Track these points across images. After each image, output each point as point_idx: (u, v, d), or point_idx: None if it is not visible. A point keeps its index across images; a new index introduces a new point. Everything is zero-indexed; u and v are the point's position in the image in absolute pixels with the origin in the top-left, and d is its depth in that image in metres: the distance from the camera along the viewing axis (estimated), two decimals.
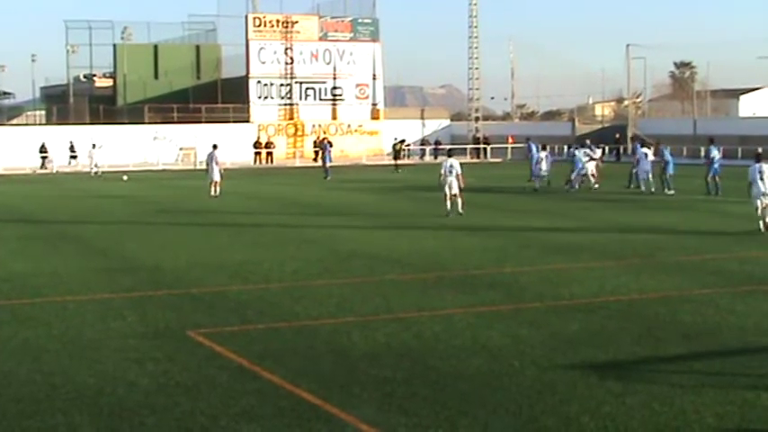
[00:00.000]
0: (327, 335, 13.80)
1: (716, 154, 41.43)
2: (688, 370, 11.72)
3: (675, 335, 13.55)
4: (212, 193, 41.22)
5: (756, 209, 26.78)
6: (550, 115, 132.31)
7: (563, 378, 11.24)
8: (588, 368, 11.69)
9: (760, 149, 31.16)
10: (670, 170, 42.72)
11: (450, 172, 31.23)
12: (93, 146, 65.99)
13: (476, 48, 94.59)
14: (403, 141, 73.90)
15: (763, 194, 26.53)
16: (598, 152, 48.09)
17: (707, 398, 10.37)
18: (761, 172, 26.71)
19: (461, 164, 32.92)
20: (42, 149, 73.56)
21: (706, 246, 23.67)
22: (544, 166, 45.63)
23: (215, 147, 43.44)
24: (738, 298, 16.38)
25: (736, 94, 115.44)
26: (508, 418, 9.90)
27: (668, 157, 43.23)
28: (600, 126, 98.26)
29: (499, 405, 10.27)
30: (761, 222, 26.43)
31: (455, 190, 31.12)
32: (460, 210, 30.89)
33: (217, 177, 41.89)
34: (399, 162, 68.65)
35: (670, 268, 20.07)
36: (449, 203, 31.17)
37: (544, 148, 46.60)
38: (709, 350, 12.77)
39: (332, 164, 60.19)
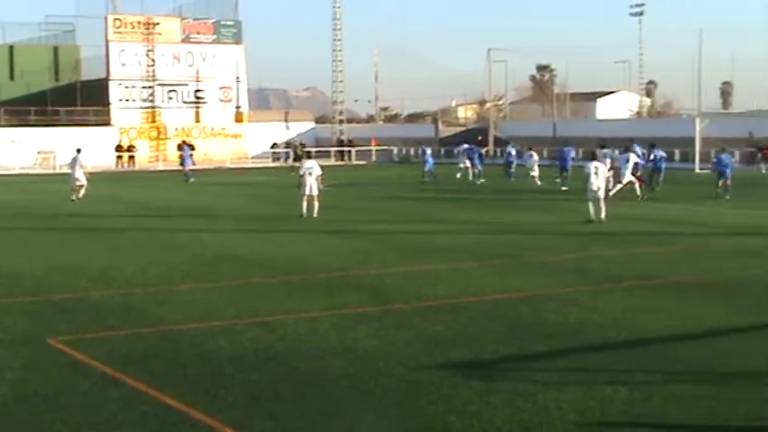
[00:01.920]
0: (192, 339, 13.64)
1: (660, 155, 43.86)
2: (550, 367, 11.92)
3: (538, 333, 13.78)
4: (73, 197, 40.36)
5: (589, 203, 29.03)
6: (414, 117, 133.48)
7: (429, 378, 11.32)
8: (453, 368, 11.79)
9: (597, 149, 34.01)
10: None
11: (310, 174, 31.33)
12: None
13: (339, 50, 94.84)
14: (303, 145, 73.84)
15: (598, 188, 29.07)
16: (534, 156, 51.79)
17: (568, 394, 10.56)
18: (596, 167, 29.20)
19: (324, 166, 32.95)
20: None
21: (568, 245, 24.14)
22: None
23: (78, 151, 42.62)
24: (599, 296, 16.74)
25: (593, 97, 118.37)
26: (375, 419, 9.91)
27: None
28: (463, 128, 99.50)
29: (365, 406, 10.28)
30: (593, 215, 28.73)
31: (314, 192, 31.22)
32: (315, 213, 30.95)
33: (82, 181, 41.03)
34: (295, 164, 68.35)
35: (533, 268, 20.41)
36: (305, 205, 31.25)
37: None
38: (571, 347, 13.00)
39: (194, 167, 59.62)
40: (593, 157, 31.15)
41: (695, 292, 17.11)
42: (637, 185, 38.75)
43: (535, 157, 51.56)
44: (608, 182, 33.13)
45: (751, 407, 10.08)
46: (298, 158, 70.10)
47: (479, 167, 52.39)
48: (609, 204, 29.63)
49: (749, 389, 10.74)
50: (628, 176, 38.51)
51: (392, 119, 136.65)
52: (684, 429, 9.50)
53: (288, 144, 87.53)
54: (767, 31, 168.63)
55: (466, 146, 54.76)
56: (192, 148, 79.33)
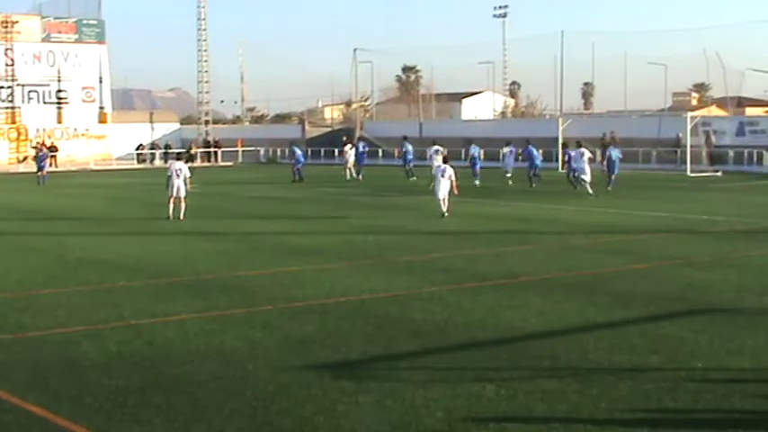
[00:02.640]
0: (56, 345, 13.36)
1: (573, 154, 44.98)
2: (418, 366, 12.02)
3: (406, 332, 13.88)
4: None
5: (438, 201, 31.15)
6: (281, 118, 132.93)
7: (297, 379, 11.31)
8: (322, 368, 11.80)
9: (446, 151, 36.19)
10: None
11: (178, 175, 31.04)
12: None
13: (205, 50, 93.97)
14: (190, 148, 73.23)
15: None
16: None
17: (436, 392, 10.67)
18: (443, 170, 31.76)
19: (190, 168, 32.68)
20: None
21: (435, 245, 24.36)
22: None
23: None
24: (465, 294, 16.94)
25: (458, 97, 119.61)
26: (243, 421, 9.87)
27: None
28: (329, 129, 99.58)
29: (234, 409, 10.22)
30: (444, 211, 30.88)
31: (181, 193, 30.95)
32: (182, 215, 30.69)
33: None
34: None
35: (399, 268, 20.55)
36: (172, 207, 31.06)
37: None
38: (438, 346, 13.13)
39: (53, 169, 58.43)
40: (445, 161, 33.74)
41: (559, 290, 17.45)
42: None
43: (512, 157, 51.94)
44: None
45: (613, 401, 10.33)
46: (191, 159, 69.37)
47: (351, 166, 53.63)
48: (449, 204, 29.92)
49: (611, 384, 11.00)
50: (588, 171, 41.10)
51: (259, 120, 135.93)
52: (549, 424, 9.68)
53: (153, 145, 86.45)
54: (625, 34, 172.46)
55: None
56: (54, 149, 77.92)
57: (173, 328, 14.33)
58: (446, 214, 30.66)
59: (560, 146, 56.86)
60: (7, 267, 20.95)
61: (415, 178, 51.63)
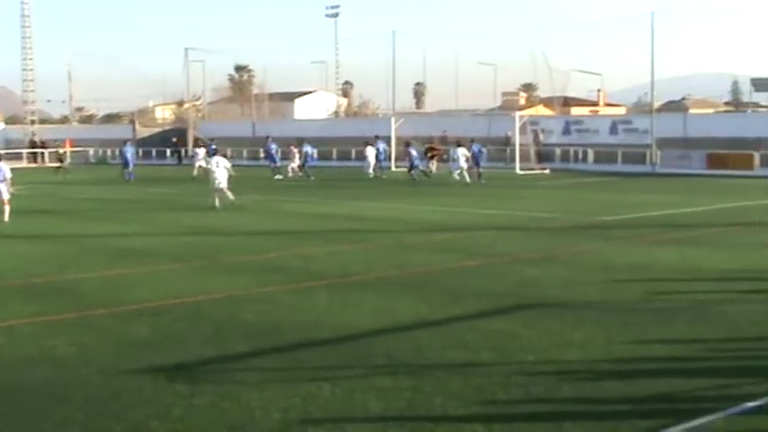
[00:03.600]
0: None
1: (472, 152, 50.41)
2: (253, 367, 12.00)
3: (240, 334, 13.83)
4: None
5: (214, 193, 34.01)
6: (111, 118, 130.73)
7: (131, 384, 11.16)
8: (156, 372, 11.67)
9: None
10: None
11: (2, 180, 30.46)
12: None
13: (30, 48, 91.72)
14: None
15: (218, 182, 34.13)
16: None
17: (272, 393, 10.67)
18: (217, 162, 34.45)
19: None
20: None
21: (269, 245, 24.31)
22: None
23: None
24: (299, 294, 16.98)
25: (291, 97, 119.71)
26: (75, 428, 9.69)
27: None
28: (161, 129, 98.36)
29: (66, 417, 10.02)
30: (216, 201, 33.96)
31: (3, 196, 30.28)
32: (6, 217, 30.02)
33: None
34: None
35: (233, 268, 20.46)
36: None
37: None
38: (273, 346, 13.13)
39: None
40: (215, 152, 38.72)
41: (392, 288, 17.64)
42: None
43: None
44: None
45: (447, 397, 10.50)
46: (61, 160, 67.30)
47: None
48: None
49: (445, 379, 11.19)
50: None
51: (88, 120, 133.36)
52: (386, 422, 9.79)
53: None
54: (456, 34, 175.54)
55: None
56: None
57: (2, 334, 13.96)
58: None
59: (393, 144, 58.29)
60: None
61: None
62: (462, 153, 49.07)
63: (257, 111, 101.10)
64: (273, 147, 57.77)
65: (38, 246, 24.85)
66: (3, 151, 74.65)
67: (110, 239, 26.21)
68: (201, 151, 58.48)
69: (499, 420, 9.87)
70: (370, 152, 56.44)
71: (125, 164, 56.54)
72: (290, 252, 22.85)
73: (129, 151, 57.11)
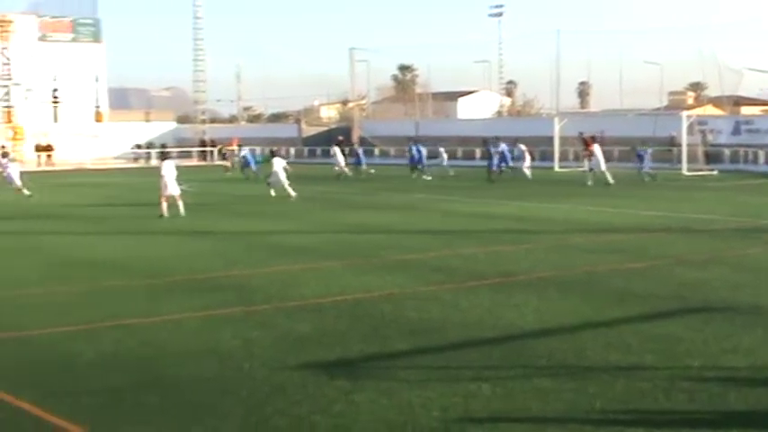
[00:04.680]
0: (51, 344, 13.35)
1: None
2: (414, 365, 12.01)
3: (401, 331, 13.87)
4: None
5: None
6: (277, 117, 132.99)
7: (294, 379, 11.29)
8: (318, 368, 11.79)
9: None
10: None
11: (170, 174, 31.47)
12: None
13: (201, 50, 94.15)
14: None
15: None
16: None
17: (432, 391, 10.66)
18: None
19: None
20: None
21: (429, 243, 24.34)
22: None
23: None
24: (461, 293, 16.92)
25: (455, 96, 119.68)
26: (238, 421, 9.85)
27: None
28: (326, 128, 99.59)
29: (230, 409, 10.21)
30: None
31: (175, 192, 31.26)
32: (182, 212, 30.91)
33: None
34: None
35: (394, 267, 20.53)
36: (165, 205, 31.23)
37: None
38: (434, 345, 13.12)
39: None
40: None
41: (555, 289, 17.43)
42: None
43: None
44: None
45: (609, 401, 10.32)
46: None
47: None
48: None
49: (607, 382, 11.00)
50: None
51: (255, 119, 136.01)
52: (545, 423, 9.68)
53: (149, 144, 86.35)
54: (621, 33, 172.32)
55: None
56: (49, 149, 77.96)
57: (168, 328, 14.32)
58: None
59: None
60: (3, 265, 20.93)
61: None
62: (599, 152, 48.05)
63: (420, 110, 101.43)
64: (416, 147, 58.04)
65: (205, 242, 25.44)
66: (175, 150, 76.75)
67: (273, 236, 26.64)
68: (338, 150, 59.40)
69: (661, 426, 9.64)
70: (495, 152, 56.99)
71: (246, 164, 57.78)
72: (450, 251, 22.83)
73: (247, 151, 58.91)
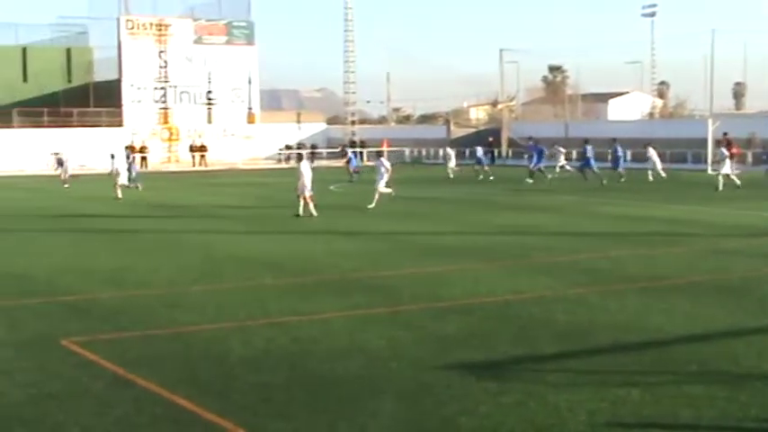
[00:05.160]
0: (204, 341, 13.66)
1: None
2: (562, 368, 11.91)
3: (549, 334, 13.76)
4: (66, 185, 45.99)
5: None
6: (426, 118, 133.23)
7: (440, 379, 11.31)
8: (464, 368, 11.78)
9: None
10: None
11: (305, 175, 32.11)
12: None
13: (351, 51, 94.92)
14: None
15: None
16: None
17: (580, 395, 10.55)
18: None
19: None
20: None
21: (577, 246, 24.10)
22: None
23: (113, 156, 48.23)
24: (610, 296, 16.71)
25: (605, 97, 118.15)
26: (386, 420, 9.92)
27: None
28: (475, 129, 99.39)
29: (377, 408, 10.28)
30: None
31: (307, 192, 31.84)
32: (313, 212, 31.43)
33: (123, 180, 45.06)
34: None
35: (543, 268, 20.38)
36: (302, 204, 32.09)
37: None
38: (582, 349, 12.99)
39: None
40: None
41: (707, 293, 17.07)
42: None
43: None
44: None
45: (763, 409, 10.06)
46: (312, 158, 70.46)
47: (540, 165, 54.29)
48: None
49: (762, 391, 10.72)
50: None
51: (404, 120, 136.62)
52: (695, 431, 9.49)
53: (299, 145, 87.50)
54: None
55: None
56: (203, 149, 79.79)
57: (317, 326, 14.50)
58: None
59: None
60: (157, 265, 21.51)
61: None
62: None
63: (570, 112, 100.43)
64: (536, 148, 57.97)
65: (352, 242, 25.67)
66: (324, 150, 77.61)
67: (421, 237, 26.72)
68: (452, 151, 59.91)
69: None
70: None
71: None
72: (599, 254, 22.55)
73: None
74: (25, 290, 18.18)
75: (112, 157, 48.23)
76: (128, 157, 55.41)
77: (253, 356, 12.62)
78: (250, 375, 11.64)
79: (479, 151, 59.50)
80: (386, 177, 36.40)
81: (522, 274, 19.56)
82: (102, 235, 28.28)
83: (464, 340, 13.43)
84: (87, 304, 16.64)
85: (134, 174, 52.20)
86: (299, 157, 37.70)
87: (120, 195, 42.95)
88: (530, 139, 58.44)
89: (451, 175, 56.76)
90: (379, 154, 41.92)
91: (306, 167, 33.02)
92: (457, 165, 58.32)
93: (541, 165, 53.14)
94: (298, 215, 31.69)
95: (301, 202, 32.21)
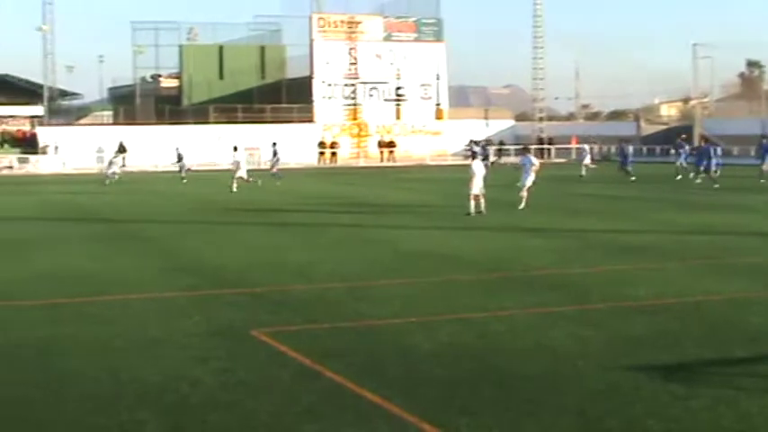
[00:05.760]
0: (390, 334, 13.81)
1: None
2: (754, 373, 11.56)
3: (741, 337, 13.38)
4: (234, 188, 45.57)
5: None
6: (615, 115, 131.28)
7: (627, 380, 11.14)
8: (652, 370, 11.57)
9: None
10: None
11: (478, 173, 32.02)
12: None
13: (540, 47, 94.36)
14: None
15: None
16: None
17: None
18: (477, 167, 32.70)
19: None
20: (122, 149, 72.82)
21: None
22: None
23: (236, 148, 49.97)
24: None
25: None
26: (572, 419, 9.82)
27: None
28: (665, 126, 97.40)
29: (563, 406, 10.20)
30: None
31: (477, 191, 31.64)
32: (483, 209, 31.36)
33: (241, 174, 46.73)
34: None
35: (735, 269, 19.81)
36: (473, 203, 31.81)
37: None
38: None
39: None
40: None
41: None
42: None
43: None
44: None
45: None
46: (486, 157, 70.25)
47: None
48: None
49: None
50: None
51: (593, 117, 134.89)
52: None
53: (487, 142, 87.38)
54: None
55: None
56: (391, 145, 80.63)
57: (503, 323, 14.47)
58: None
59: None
60: (347, 257, 21.85)
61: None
62: None
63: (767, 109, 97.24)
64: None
65: (539, 239, 25.48)
66: (512, 147, 77.33)
67: (608, 235, 26.32)
68: (587, 147, 59.15)
69: None
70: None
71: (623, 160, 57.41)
72: None
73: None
74: (219, 281, 18.73)
75: (235, 149, 49.83)
76: (275, 154, 57.16)
77: (438, 351, 12.68)
78: (435, 370, 11.70)
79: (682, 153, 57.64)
80: (533, 176, 34.84)
81: (713, 274, 19.06)
82: (291, 229, 28.90)
83: (652, 341, 13.18)
84: (277, 296, 17.03)
85: (274, 169, 54.30)
86: (473, 156, 37.68)
87: (235, 189, 44.84)
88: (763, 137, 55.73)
89: (583, 173, 55.66)
90: (526, 150, 40.73)
91: (478, 166, 32.97)
92: (593, 162, 57.39)
93: (716, 164, 50.96)
94: (469, 214, 31.46)
95: (472, 202, 32.01)
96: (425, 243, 24.60)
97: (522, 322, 14.51)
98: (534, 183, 35.19)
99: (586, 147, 61.39)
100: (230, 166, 48.64)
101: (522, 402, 10.38)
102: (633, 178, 52.96)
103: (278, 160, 56.74)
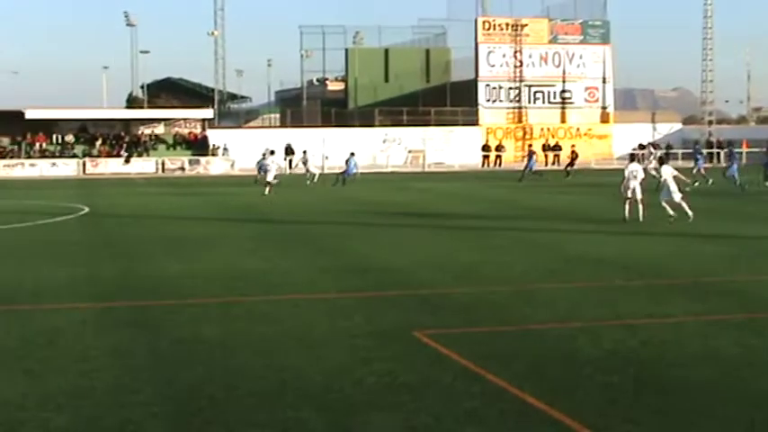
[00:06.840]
0: (552, 339, 13.75)
1: None
2: None
3: None
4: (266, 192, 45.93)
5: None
6: None
7: None
8: None
9: None
10: None
11: (635, 177, 31.05)
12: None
13: (710, 49, 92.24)
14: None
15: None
16: None
17: None
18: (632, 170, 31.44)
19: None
20: (289, 150, 74.16)
21: None
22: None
23: (273, 152, 52.67)
24: None
25: None
26: (739, 429, 9.62)
27: None
28: None
29: (729, 417, 10.00)
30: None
31: (637, 195, 30.79)
32: (641, 216, 30.29)
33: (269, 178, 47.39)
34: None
35: None
36: (628, 208, 31.02)
37: None
38: None
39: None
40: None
41: None
42: None
43: None
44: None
45: None
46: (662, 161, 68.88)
47: None
48: None
49: None
50: None
51: (765, 120, 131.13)
52: None
53: (654, 146, 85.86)
54: None
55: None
56: (557, 149, 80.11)
57: (668, 330, 14.24)
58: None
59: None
60: (512, 260, 21.81)
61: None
62: None
63: None
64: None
65: (708, 245, 24.89)
66: (680, 151, 75.82)
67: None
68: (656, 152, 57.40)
69: None
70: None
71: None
72: None
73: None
74: (383, 283, 18.92)
75: (272, 153, 52.21)
76: (305, 161, 57.77)
77: (601, 357, 12.58)
78: (598, 376, 11.61)
79: None
80: (673, 186, 30.41)
81: None
82: (456, 232, 28.96)
83: None
84: (440, 298, 17.11)
85: (312, 173, 55.71)
86: (631, 158, 36.54)
87: (267, 192, 45.52)
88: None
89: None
90: (661, 161, 34.55)
91: (635, 170, 31.76)
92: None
93: None
94: (625, 219, 30.73)
95: (626, 206, 31.19)
96: (589, 248, 24.34)
97: (689, 330, 14.26)
98: (686, 189, 34.09)
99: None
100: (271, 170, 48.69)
101: (686, 412, 10.22)
102: None
103: (307, 167, 57.43)
